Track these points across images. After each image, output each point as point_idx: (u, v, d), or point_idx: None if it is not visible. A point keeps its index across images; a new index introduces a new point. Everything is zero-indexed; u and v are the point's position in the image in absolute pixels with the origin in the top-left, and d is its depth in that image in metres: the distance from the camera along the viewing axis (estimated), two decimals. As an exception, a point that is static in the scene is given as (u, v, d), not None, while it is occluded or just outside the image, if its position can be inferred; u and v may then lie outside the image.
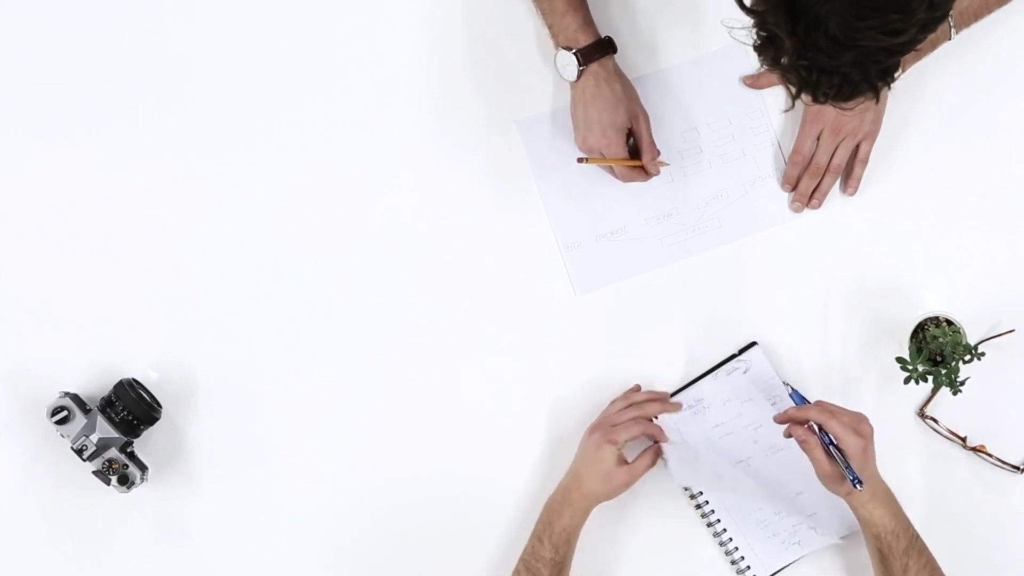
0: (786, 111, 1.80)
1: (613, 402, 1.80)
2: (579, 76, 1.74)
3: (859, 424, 1.66)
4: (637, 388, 1.81)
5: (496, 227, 1.84)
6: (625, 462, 1.75)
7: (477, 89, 1.84)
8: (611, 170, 1.80)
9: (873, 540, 1.69)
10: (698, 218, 1.84)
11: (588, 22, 1.74)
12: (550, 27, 1.76)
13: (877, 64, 1.32)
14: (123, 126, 1.84)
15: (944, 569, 1.76)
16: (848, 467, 1.64)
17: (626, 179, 1.80)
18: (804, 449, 1.67)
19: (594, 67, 1.74)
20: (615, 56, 1.76)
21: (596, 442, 1.73)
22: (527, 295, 1.83)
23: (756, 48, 1.36)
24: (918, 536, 1.69)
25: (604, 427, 1.75)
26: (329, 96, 1.85)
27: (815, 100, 1.36)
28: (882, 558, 1.69)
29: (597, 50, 1.74)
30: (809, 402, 1.72)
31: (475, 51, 1.84)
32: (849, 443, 1.63)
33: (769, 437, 1.78)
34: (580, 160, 1.77)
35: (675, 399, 1.81)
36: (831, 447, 1.65)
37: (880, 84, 1.34)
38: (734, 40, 1.39)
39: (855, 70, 1.31)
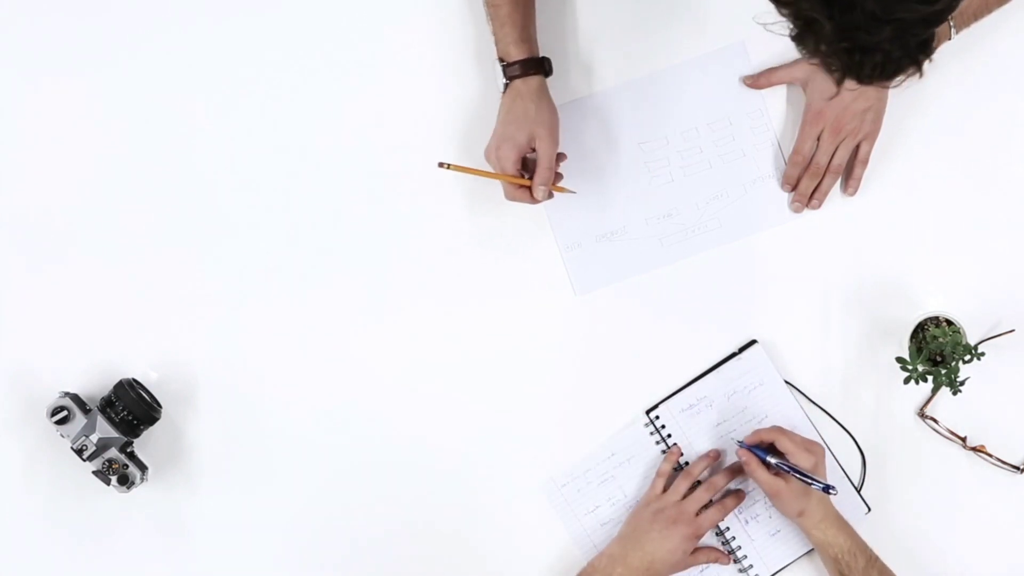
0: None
1: (660, 475, 1.79)
2: (504, 89, 1.74)
3: (811, 445, 1.72)
4: (678, 452, 1.80)
5: (496, 227, 1.84)
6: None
7: (477, 90, 1.84)
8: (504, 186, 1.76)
9: (832, 563, 1.71)
10: (698, 218, 1.84)
11: (525, 38, 1.73)
12: (493, 34, 1.75)
13: (916, 37, 1.30)
14: (124, 125, 1.85)
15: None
16: (812, 479, 1.68)
17: (510, 196, 1.75)
18: (747, 471, 1.74)
19: (517, 83, 1.73)
20: (548, 78, 1.74)
21: (683, 535, 1.73)
22: (527, 295, 1.83)
23: (794, 38, 1.34)
24: (877, 556, 1.71)
25: (686, 519, 1.74)
26: (328, 99, 1.85)
27: (860, 81, 1.34)
28: None
29: (525, 68, 1.72)
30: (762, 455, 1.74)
31: (476, 51, 1.84)
32: (800, 459, 1.70)
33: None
34: (441, 164, 1.73)
35: (676, 397, 1.81)
36: (787, 470, 1.70)
37: (922, 57, 1.33)
38: (770, 33, 1.36)
39: (895, 46, 1.30)
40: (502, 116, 1.74)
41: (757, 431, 1.75)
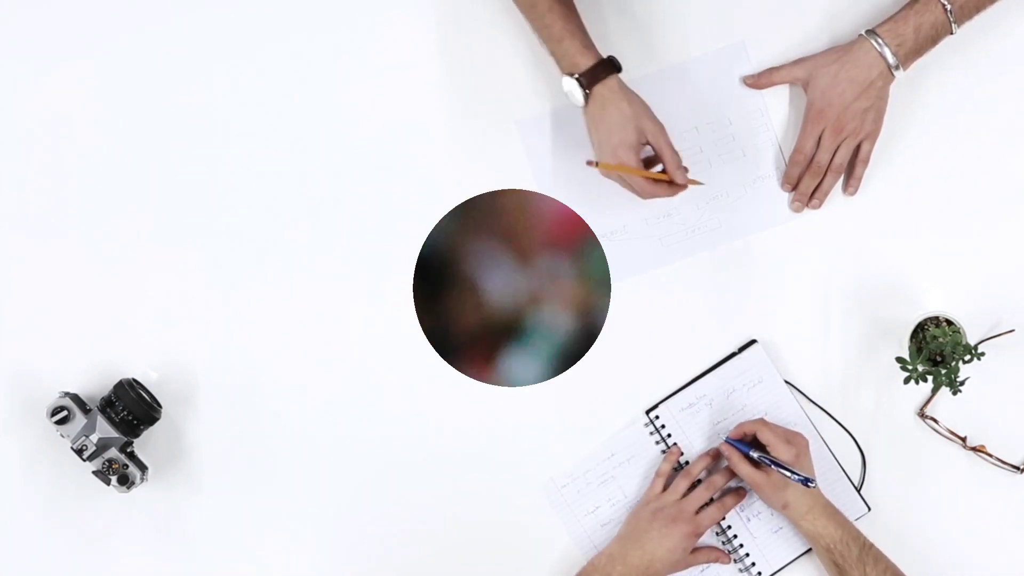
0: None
1: (659, 474, 1.79)
2: (586, 101, 1.72)
3: (792, 436, 1.73)
4: (678, 452, 1.81)
5: (496, 227, 1.84)
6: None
7: (478, 90, 1.84)
8: (632, 189, 1.76)
9: (825, 553, 1.71)
10: (698, 218, 1.84)
11: (587, 45, 1.72)
12: (552, 54, 1.74)
13: None
14: (122, 124, 1.85)
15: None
16: (790, 471, 1.68)
17: (647, 195, 1.73)
18: (731, 465, 1.75)
19: (599, 88, 1.71)
20: (620, 74, 1.73)
21: (683, 534, 1.73)
22: (527, 295, 1.84)
23: None
24: (871, 544, 1.71)
25: (686, 518, 1.74)
26: (331, 98, 1.84)
27: None
28: (839, 570, 1.70)
29: (600, 72, 1.71)
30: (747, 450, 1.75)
31: (476, 52, 1.84)
32: (780, 451, 1.70)
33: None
34: (590, 163, 1.74)
35: (676, 397, 1.81)
36: (769, 463, 1.70)
37: None
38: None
39: None
40: (598, 125, 1.72)
41: (741, 424, 1.76)
